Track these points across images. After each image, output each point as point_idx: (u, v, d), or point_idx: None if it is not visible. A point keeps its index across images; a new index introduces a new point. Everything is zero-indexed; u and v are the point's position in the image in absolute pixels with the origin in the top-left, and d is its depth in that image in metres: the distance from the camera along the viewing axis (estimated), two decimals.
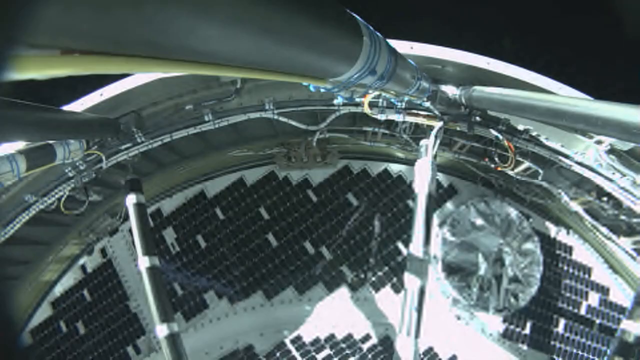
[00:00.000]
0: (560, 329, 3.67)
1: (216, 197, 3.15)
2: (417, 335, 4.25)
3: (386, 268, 3.51)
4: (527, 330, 3.16)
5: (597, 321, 4.30)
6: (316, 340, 2.78)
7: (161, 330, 5.50)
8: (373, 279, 3.42)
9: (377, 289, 3.35)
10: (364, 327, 2.90)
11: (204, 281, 3.36)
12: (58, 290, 3.08)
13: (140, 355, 2.87)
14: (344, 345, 2.92)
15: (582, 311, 4.10)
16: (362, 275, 3.28)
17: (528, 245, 3.66)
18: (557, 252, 3.90)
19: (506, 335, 3.22)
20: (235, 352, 3.11)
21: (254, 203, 3.28)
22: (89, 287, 3.27)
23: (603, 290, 4.48)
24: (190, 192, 3.36)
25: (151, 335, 3.17)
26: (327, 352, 2.94)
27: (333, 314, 2.83)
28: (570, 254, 3.83)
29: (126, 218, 6.46)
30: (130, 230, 3.46)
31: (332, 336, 2.92)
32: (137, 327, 2.94)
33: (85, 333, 3.03)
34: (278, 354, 2.92)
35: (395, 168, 4.47)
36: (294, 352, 2.79)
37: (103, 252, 3.10)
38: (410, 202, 3.89)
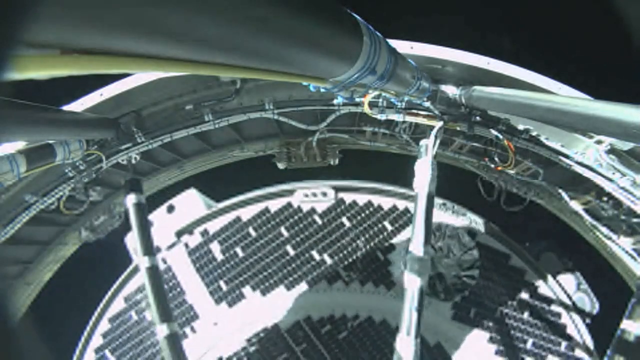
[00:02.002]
0: (497, 314, 4.36)
1: (249, 220, 3.59)
2: (417, 335, 4.25)
3: (368, 270, 4.51)
4: (471, 315, 4.12)
5: (527, 312, 5.08)
6: (321, 319, 3.82)
7: (161, 330, 5.50)
8: (360, 277, 4.19)
9: (362, 284, 4.13)
10: (354, 309, 3.90)
11: (242, 279, 4.18)
12: (130, 287, 3.43)
13: (195, 335, 3.52)
14: (339, 322, 3.96)
15: (515, 303, 4.90)
16: (353, 275, 3.95)
17: (467, 257, 4.23)
18: (497, 258, 4.39)
19: (455, 318, 4.07)
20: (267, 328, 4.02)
21: (277, 224, 3.99)
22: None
23: (532, 288, 5.24)
24: (229, 217, 3.68)
25: (205, 319, 3.98)
26: (328, 327, 3.93)
27: (333, 300, 3.82)
28: (508, 260, 4.63)
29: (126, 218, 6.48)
30: (186, 244, 4.15)
31: (332, 316, 3.87)
32: (193, 314, 3.57)
33: (151, 321, 3.72)
34: (305, 326, 3.78)
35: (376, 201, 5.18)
36: (307, 328, 3.77)
37: (164, 260, 3.81)
38: (387, 225, 4.59)
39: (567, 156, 5.23)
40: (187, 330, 3.37)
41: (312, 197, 3.41)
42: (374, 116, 5.59)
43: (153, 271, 5.58)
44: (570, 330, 4.84)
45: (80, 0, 0.80)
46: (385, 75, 2.67)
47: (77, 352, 4.42)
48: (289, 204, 3.45)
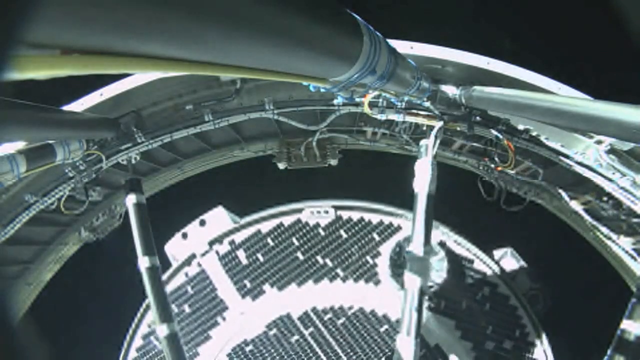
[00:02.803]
0: (463, 306, 5.08)
1: (267, 232, 4.71)
2: (417, 335, 4.27)
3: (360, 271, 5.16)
4: (441, 306, 4.74)
5: (488, 304, 5.72)
6: (324, 308, 4.54)
7: (161, 330, 5.51)
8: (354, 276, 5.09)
9: (356, 281, 4.98)
10: (349, 301, 4.65)
11: (263, 278, 4.79)
12: (171, 286, 4.28)
13: (225, 322, 4.18)
14: (338, 311, 4.62)
15: (479, 297, 5.59)
16: (349, 274, 5.25)
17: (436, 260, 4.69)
18: (462, 262, 5.14)
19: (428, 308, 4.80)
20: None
21: (289, 235, 4.74)
22: (192, 284, 4.44)
23: (492, 285, 5.87)
24: (252, 230, 4.68)
25: (233, 310, 4.59)
26: (329, 315, 4.58)
27: (333, 293, 4.60)
28: (472, 264, 5.27)
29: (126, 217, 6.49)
30: (217, 252, 4.72)
31: (332, 306, 4.57)
32: (224, 306, 4.29)
33: (190, 312, 4.47)
34: (314, 317, 4.43)
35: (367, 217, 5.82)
36: (313, 316, 4.49)
37: (199, 264, 4.46)
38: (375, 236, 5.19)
39: (567, 156, 5.23)
40: (219, 319, 4.05)
41: (317, 214, 4.12)
42: (374, 116, 5.59)
43: (153, 271, 5.58)
44: (525, 320, 5.64)
45: (81, 1, 0.80)
46: (385, 76, 2.67)
47: (127, 337, 4.88)
48: (299, 220, 4.19)
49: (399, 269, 3.97)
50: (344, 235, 4.28)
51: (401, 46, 4.78)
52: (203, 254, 3.87)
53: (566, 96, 4.56)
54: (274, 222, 4.15)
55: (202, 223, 3.82)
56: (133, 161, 5.98)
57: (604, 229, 6.02)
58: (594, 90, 4.55)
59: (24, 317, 6.50)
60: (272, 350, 3.50)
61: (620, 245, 5.99)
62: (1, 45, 0.61)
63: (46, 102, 3.98)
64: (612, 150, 4.73)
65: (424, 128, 5.80)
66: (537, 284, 5.62)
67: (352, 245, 4.31)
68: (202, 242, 3.93)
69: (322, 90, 2.73)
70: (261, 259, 4.01)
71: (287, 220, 4.13)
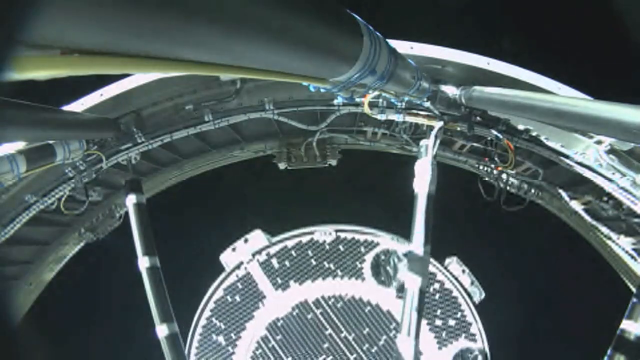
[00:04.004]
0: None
1: (292, 246, 6.09)
2: (417, 335, 4.27)
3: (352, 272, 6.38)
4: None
5: (437, 295, 6.89)
6: (330, 296, 5.91)
7: (161, 331, 5.51)
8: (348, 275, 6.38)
9: (349, 279, 6.43)
10: (346, 291, 6.02)
11: (289, 277, 6.10)
12: (226, 284, 5.61)
13: (264, 307, 5.58)
14: (338, 298, 6.03)
15: (431, 290, 6.73)
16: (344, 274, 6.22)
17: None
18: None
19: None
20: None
21: (305, 249, 5.99)
22: (241, 282, 5.74)
23: (441, 282, 7.03)
24: (281, 245, 6.01)
25: (269, 298, 5.87)
26: (332, 300, 5.93)
27: (334, 286, 6.01)
28: (435, 277, 6.58)
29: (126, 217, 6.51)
30: (258, 260, 5.88)
31: (334, 294, 5.86)
32: (262, 296, 5.78)
33: (239, 300, 5.80)
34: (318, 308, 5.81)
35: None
36: (322, 301, 5.80)
37: (245, 268, 5.74)
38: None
39: (567, 156, 5.22)
40: (260, 304, 5.42)
41: (324, 235, 5.57)
42: (374, 116, 5.60)
43: (153, 271, 5.58)
44: (464, 307, 6.79)
45: (80, 1, 0.80)
46: (385, 76, 2.67)
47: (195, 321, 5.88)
48: (312, 239, 5.62)
49: (378, 272, 5.58)
50: (342, 249, 5.92)
51: (401, 46, 4.78)
52: (248, 262, 5.39)
53: (566, 96, 4.56)
54: (296, 240, 5.81)
55: (246, 241, 5.45)
56: (133, 161, 5.98)
57: (604, 229, 6.02)
58: (594, 90, 4.55)
59: (26, 317, 6.51)
60: (295, 324, 5.23)
61: (620, 245, 5.99)
62: (1, 45, 0.61)
63: (46, 102, 3.98)
64: (612, 150, 4.72)
65: (424, 128, 5.80)
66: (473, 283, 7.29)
67: (347, 255, 5.97)
68: (247, 253, 5.45)
69: (322, 90, 2.73)
70: (287, 264, 5.61)
71: (304, 239, 5.76)
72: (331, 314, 5.27)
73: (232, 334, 5.22)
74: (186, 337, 5.40)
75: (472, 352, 6.24)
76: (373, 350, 4.98)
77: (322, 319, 5.10)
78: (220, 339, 5.16)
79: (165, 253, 5.69)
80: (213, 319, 5.12)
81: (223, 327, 5.25)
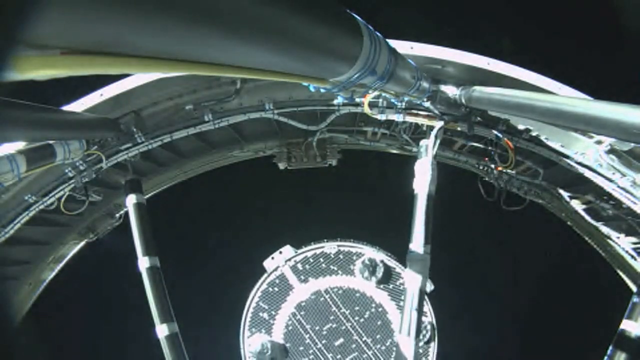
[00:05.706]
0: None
1: (311, 255, 7.25)
2: (417, 335, 4.28)
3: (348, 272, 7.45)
4: (391, 286, 7.21)
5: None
6: (334, 287, 7.23)
7: (161, 331, 5.52)
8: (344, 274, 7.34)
9: (347, 275, 7.31)
10: (345, 283, 7.24)
11: (308, 274, 7.37)
12: (268, 280, 7.04)
13: (292, 294, 6.98)
14: (338, 287, 7.31)
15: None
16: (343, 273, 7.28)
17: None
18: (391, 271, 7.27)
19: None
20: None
21: (319, 257, 7.24)
22: (277, 280, 7.14)
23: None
24: (303, 255, 7.21)
25: (295, 289, 7.13)
26: (336, 289, 7.22)
27: (335, 281, 7.27)
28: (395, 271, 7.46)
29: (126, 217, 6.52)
30: (288, 264, 7.21)
31: (336, 285, 7.16)
32: (291, 286, 7.09)
33: (277, 291, 7.25)
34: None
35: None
36: (330, 290, 7.21)
37: (281, 271, 7.11)
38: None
39: (567, 156, 5.22)
40: (290, 292, 6.92)
41: (330, 248, 6.97)
42: (374, 116, 5.59)
43: (153, 271, 5.58)
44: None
45: (80, 1, 0.80)
46: (385, 76, 2.67)
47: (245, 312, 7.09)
48: (323, 251, 7.03)
49: (363, 271, 6.93)
50: (341, 257, 7.07)
51: (401, 46, 4.77)
52: (282, 265, 6.93)
53: (566, 96, 4.56)
54: (312, 252, 7.08)
55: (280, 252, 7.02)
56: (133, 161, 5.98)
57: (604, 229, 6.02)
58: (594, 91, 4.55)
59: (26, 316, 6.51)
60: (313, 304, 6.76)
61: (620, 245, 5.99)
62: (1, 45, 0.61)
63: (46, 102, 3.98)
64: (612, 150, 4.72)
65: (424, 128, 5.80)
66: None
67: (344, 260, 7.04)
68: (281, 260, 7.05)
69: (322, 90, 2.72)
70: (307, 267, 7.00)
71: (318, 251, 7.08)
72: (335, 298, 7.13)
73: (272, 312, 7.00)
74: (241, 317, 7.11)
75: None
76: (361, 321, 6.91)
77: (329, 301, 7.05)
78: (265, 315, 7.00)
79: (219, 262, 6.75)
80: (260, 303, 7.11)
81: (266, 307, 7.04)
